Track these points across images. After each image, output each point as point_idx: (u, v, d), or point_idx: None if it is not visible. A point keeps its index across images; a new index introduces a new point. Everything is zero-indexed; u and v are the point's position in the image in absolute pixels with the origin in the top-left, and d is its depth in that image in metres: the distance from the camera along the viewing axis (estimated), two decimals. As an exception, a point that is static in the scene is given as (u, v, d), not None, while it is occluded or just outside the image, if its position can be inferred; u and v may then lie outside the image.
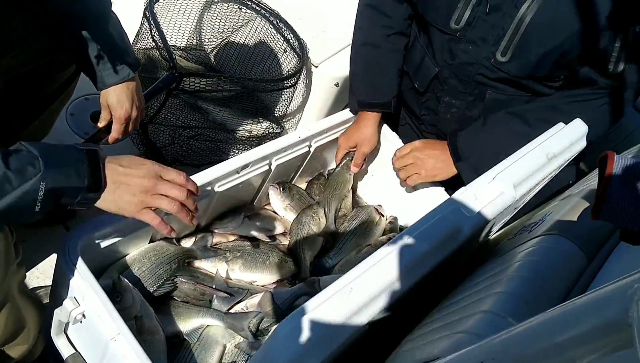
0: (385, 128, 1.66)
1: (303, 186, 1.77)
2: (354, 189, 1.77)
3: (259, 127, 1.97)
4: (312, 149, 1.59)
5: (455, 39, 1.41)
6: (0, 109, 1.36)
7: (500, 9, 1.30)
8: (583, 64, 1.31)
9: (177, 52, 1.92)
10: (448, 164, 1.45)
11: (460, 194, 1.08)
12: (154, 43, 1.63)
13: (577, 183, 1.38)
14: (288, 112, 2.04)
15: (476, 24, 1.35)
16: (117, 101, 1.23)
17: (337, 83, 1.99)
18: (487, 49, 1.36)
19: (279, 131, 2.01)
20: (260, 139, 1.99)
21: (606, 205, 0.83)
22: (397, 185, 1.65)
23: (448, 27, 1.40)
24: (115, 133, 1.26)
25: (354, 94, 1.60)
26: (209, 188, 1.33)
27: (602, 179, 0.83)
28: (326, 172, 1.80)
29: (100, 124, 1.27)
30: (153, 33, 1.60)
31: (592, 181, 1.25)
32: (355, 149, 1.62)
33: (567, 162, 1.25)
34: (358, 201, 1.78)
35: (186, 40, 1.97)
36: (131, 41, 1.80)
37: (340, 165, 1.67)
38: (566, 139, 1.21)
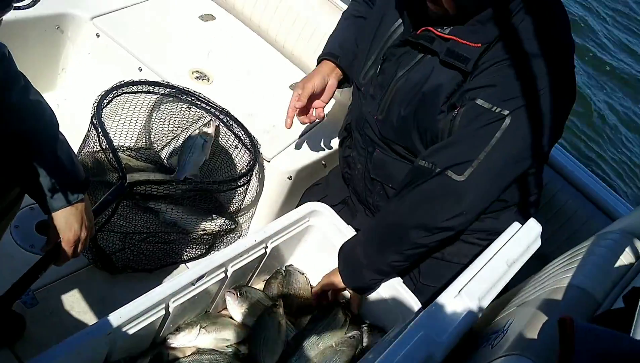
0: (338, 219, 1.66)
1: (260, 285, 1.73)
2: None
3: (213, 224, 1.94)
4: (268, 250, 1.56)
5: (360, 93, 1.57)
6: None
7: (386, 72, 1.47)
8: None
9: (126, 152, 1.90)
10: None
11: (428, 316, 1.07)
12: (102, 152, 1.60)
13: (531, 284, 1.39)
14: (242, 207, 2.02)
15: (371, 82, 1.52)
16: (66, 223, 1.18)
17: (290, 176, 1.99)
18: (374, 106, 1.51)
19: (234, 226, 1.98)
20: (214, 237, 1.95)
21: None
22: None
23: (359, 82, 1.58)
24: (64, 256, 1.22)
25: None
26: (164, 304, 1.28)
27: (564, 351, 0.77)
28: (283, 269, 1.77)
29: (48, 247, 1.22)
30: (101, 142, 1.57)
31: (546, 281, 1.27)
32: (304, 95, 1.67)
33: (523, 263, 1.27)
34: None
35: (136, 140, 1.95)
36: (75, 148, 1.77)
37: (297, 270, 1.68)
38: (523, 241, 1.24)
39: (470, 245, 1.51)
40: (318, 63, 1.74)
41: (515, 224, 1.34)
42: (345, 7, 2.19)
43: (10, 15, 1.93)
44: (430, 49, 1.36)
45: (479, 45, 1.28)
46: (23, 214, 1.86)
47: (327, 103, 1.73)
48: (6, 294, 1.23)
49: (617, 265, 1.19)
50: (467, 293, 1.09)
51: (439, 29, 1.34)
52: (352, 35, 1.71)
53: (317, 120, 1.76)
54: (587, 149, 4.73)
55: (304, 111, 1.71)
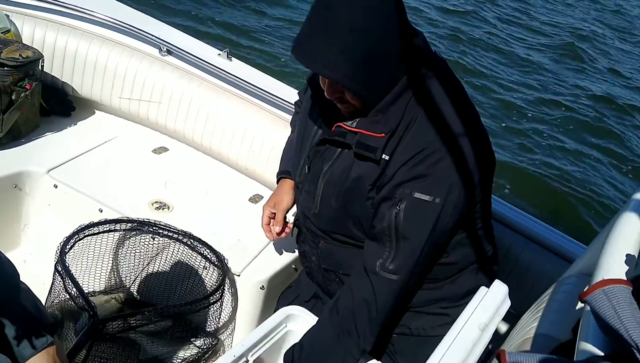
0: (314, 319, 1.66)
1: (250, 402, 1.68)
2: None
3: (194, 347, 1.92)
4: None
5: (298, 191, 1.66)
6: None
7: (315, 168, 1.55)
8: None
9: (96, 295, 1.90)
10: None
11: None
12: (68, 296, 1.61)
13: (506, 341, 1.41)
14: (221, 325, 2.01)
15: (305, 179, 1.59)
16: None
17: (263, 286, 2.01)
18: (310, 201, 1.58)
19: (215, 343, 1.96)
20: (197, 360, 1.92)
21: None
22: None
23: (296, 181, 1.66)
24: None
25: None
26: None
27: None
28: (271, 380, 1.73)
29: None
30: (67, 286, 1.59)
31: (516, 336, 1.29)
32: (274, 211, 1.80)
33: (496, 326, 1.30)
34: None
35: (104, 280, 1.96)
36: (44, 297, 1.77)
37: None
38: (492, 304, 1.27)
39: (435, 315, 1.53)
40: (278, 181, 1.86)
41: (482, 289, 1.37)
42: (283, 114, 2.35)
43: (-33, 182, 2.00)
44: (344, 143, 1.45)
45: (383, 134, 1.36)
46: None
47: (281, 226, 1.84)
48: None
49: (577, 307, 1.22)
50: (445, 366, 1.10)
51: (348, 123, 1.42)
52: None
53: (285, 235, 1.86)
54: (529, 197, 4.87)
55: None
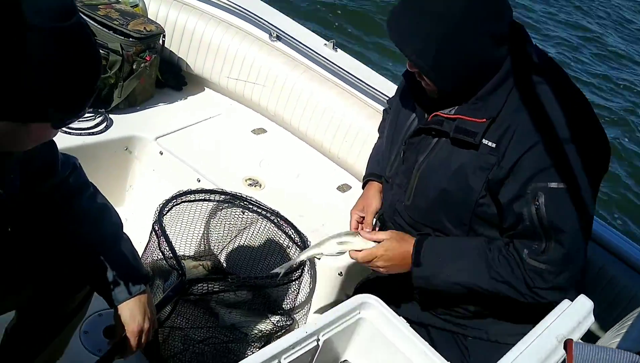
0: (389, 311, 1.67)
1: (316, 382, 1.72)
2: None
3: (270, 323, 1.99)
4: (320, 343, 1.58)
5: (388, 185, 1.65)
6: (15, 337, 1.40)
7: (409, 160, 1.54)
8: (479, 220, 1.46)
9: (185, 259, 2.02)
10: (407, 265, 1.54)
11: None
12: (162, 255, 1.73)
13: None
14: (296, 305, 2.07)
15: (397, 172, 1.59)
16: (130, 315, 1.28)
17: (341, 272, 2.05)
18: (401, 194, 1.57)
19: (290, 323, 2.02)
20: (270, 336, 1.99)
21: None
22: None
23: (386, 176, 1.66)
24: (129, 348, 1.30)
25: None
26: (219, 398, 1.31)
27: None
28: (338, 364, 1.77)
29: (115, 340, 1.31)
30: (161, 245, 1.70)
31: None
32: (363, 214, 1.75)
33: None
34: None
35: (194, 246, 2.08)
36: (141, 252, 1.91)
37: None
38: (574, 317, 1.23)
39: (515, 324, 1.49)
40: (364, 185, 1.86)
41: (565, 302, 1.33)
42: (380, 108, 2.36)
43: (86, 139, 2.19)
44: (441, 131, 1.45)
45: (484, 120, 1.36)
46: (92, 320, 1.98)
47: (371, 231, 1.79)
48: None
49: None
50: (515, 370, 1.08)
51: (445, 111, 1.43)
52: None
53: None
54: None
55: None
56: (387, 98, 2.33)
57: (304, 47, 2.52)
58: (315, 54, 2.51)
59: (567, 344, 0.84)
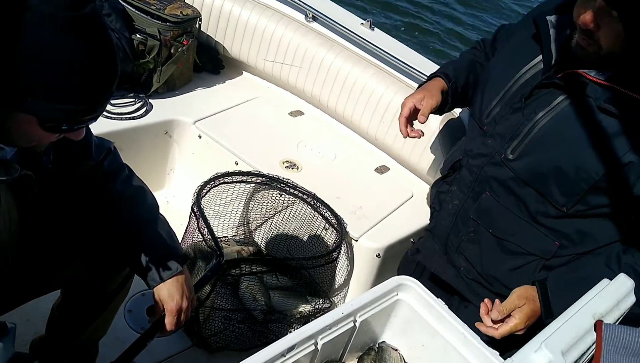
0: (428, 293, 1.65)
1: None
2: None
3: (308, 305, 2.00)
4: (357, 324, 1.58)
5: (482, 133, 1.52)
6: (61, 315, 1.45)
7: (521, 111, 1.41)
8: (598, 191, 1.33)
9: (223, 240, 2.05)
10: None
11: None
12: (201, 236, 1.75)
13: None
14: (334, 287, 2.07)
15: (499, 121, 1.47)
16: (168, 294, 1.30)
17: (379, 254, 2.03)
18: (501, 145, 1.45)
19: (328, 305, 2.03)
20: (308, 317, 2.00)
21: None
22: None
23: (481, 121, 1.53)
24: (168, 326, 1.33)
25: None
26: (256, 374, 1.32)
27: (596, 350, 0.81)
28: (376, 346, 1.76)
29: (154, 319, 1.34)
30: (200, 226, 1.72)
31: None
32: (420, 105, 1.61)
33: (618, 321, 1.20)
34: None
35: (232, 227, 2.10)
36: (181, 235, 1.94)
37: (390, 346, 1.63)
38: (612, 297, 1.18)
39: None
40: (429, 78, 1.74)
41: (605, 280, 1.27)
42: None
43: (127, 123, 2.23)
44: (578, 93, 1.31)
45: None
46: (135, 299, 2.03)
47: (426, 120, 1.66)
48: (118, 359, 1.35)
49: None
50: (549, 347, 1.04)
51: (593, 74, 1.28)
52: (465, 68, 1.73)
53: (417, 136, 1.68)
54: None
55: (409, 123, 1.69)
56: (426, 76, 2.28)
57: (340, 27, 2.49)
58: (351, 33, 2.48)
59: (597, 325, 0.80)
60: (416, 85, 2.34)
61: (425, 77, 2.27)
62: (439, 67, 1.82)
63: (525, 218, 1.47)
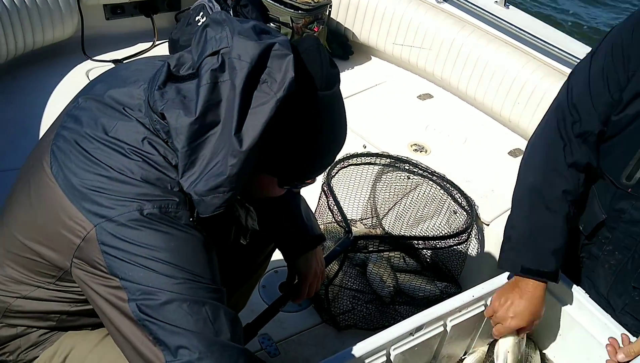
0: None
1: (483, 348, 1.68)
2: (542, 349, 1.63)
3: (435, 288, 1.98)
4: (488, 308, 1.53)
5: (625, 195, 1.33)
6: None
7: None
8: None
9: (351, 222, 2.08)
10: None
11: None
12: (330, 214, 1.80)
13: None
14: (463, 271, 2.02)
15: None
16: (305, 265, 1.40)
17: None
18: None
19: (455, 290, 1.98)
20: (435, 301, 1.97)
21: None
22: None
23: (619, 181, 1.33)
24: (302, 293, 1.41)
25: (518, 256, 1.42)
26: (384, 351, 1.34)
27: None
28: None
29: (290, 285, 1.44)
30: (329, 204, 1.77)
31: None
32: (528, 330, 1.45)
33: None
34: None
35: (361, 207, 2.13)
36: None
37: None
38: None
39: None
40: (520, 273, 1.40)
41: None
42: (558, 65, 2.16)
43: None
44: None
45: None
46: (269, 276, 2.14)
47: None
48: (252, 322, 1.45)
49: None
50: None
51: None
52: (560, 236, 1.39)
53: None
54: None
55: None
56: (569, 54, 2.14)
57: (472, 5, 2.41)
58: (485, 12, 2.39)
59: None
60: (556, 63, 2.21)
61: (568, 54, 2.12)
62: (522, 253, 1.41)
63: None
